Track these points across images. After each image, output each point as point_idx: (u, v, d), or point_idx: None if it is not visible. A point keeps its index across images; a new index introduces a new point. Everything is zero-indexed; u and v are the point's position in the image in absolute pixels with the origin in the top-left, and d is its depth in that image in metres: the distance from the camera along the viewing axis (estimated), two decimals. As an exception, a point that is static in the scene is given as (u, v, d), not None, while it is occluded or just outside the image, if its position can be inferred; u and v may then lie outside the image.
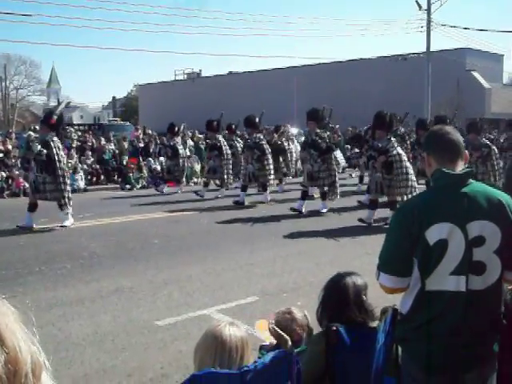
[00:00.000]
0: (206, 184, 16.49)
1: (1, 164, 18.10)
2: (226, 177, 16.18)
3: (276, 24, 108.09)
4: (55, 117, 11.68)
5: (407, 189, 11.12)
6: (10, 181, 17.60)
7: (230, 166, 16.34)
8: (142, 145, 22.22)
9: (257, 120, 15.06)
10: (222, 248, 9.43)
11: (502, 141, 16.81)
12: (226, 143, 16.30)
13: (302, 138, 23.45)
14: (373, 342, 2.73)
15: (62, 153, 11.57)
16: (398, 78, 38.98)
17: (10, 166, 18.02)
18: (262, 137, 15.39)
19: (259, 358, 2.72)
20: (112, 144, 22.24)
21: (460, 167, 2.64)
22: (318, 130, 12.92)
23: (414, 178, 11.44)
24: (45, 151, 11.09)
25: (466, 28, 36.13)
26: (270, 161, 14.96)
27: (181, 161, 17.64)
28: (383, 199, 11.76)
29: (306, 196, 13.04)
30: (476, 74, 42.43)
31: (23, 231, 10.96)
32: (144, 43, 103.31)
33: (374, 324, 2.94)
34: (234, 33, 78.08)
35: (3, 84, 62.60)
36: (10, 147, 19.24)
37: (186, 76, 59.21)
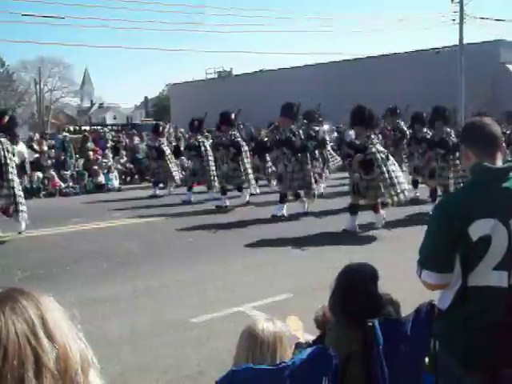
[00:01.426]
0: (189, 188, 15.31)
1: (37, 165, 18.40)
2: (211, 178, 15.10)
3: (300, 21, 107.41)
4: (7, 117, 10.94)
5: (389, 189, 10.10)
6: (46, 181, 17.89)
7: (213, 167, 15.20)
8: (173, 144, 22.36)
9: (232, 116, 14.13)
10: (255, 246, 9.42)
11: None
12: (206, 143, 15.31)
13: (335, 134, 23.33)
14: (403, 334, 2.70)
15: (10, 155, 10.63)
16: (430, 72, 38.47)
17: (45, 166, 18.31)
18: (237, 134, 14.38)
19: (296, 354, 2.70)
20: (145, 143, 22.43)
21: (499, 161, 2.59)
22: (293, 127, 12.11)
23: (399, 179, 10.35)
24: None
25: (499, 20, 35.43)
26: (246, 160, 13.89)
27: (166, 162, 16.58)
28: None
29: (284, 199, 12.10)
30: (511, 67, 41.63)
31: (58, 231, 11.13)
32: (175, 43, 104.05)
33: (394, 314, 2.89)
34: (264, 29, 77.99)
35: (38, 86, 63.67)
36: (45, 148, 19.54)
37: (216, 75, 59.39)
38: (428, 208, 11.39)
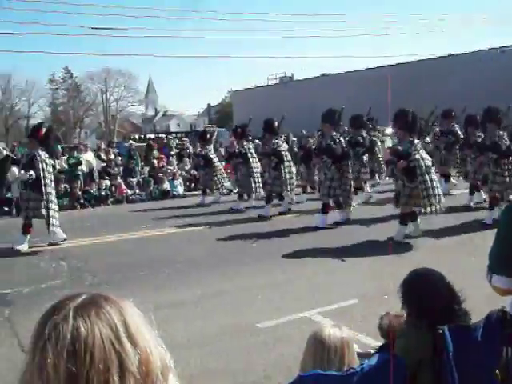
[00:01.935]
0: (239, 196, 15.15)
1: (104, 173, 18.93)
2: (218, 182, 15.83)
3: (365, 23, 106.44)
4: (44, 129, 10.85)
5: (429, 198, 9.63)
6: (113, 188, 18.36)
7: (222, 173, 16.00)
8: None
9: (276, 124, 13.79)
10: (320, 251, 9.39)
11: None
12: (252, 150, 15.07)
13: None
14: (473, 341, 2.64)
15: (49, 168, 10.61)
16: (496, 72, 37.38)
17: (112, 174, 18.80)
18: (280, 143, 13.92)
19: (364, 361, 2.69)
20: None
21: None
22: (334, 133, 11.69)
23: (439, 189, 9.93)
24: (33, 174, 10.28)
25: None
26: (289, 169, 13.52)
27: (213, 170, 16.24)
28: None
29: (327, 209, 11.67)
30: None
31: (124, 237, 11.41)
32: (236, 50, 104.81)
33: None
34: (324, 34, 77.70)
35: (104, 96, 65.48)
36: (112, 156, 20.06)
37: (278, 80, 59.56)
38: (482, 215, 11.23)
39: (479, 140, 12.30)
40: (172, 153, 22.09)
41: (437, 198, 9.72)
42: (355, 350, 2.52)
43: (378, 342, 3.48)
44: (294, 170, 13.99)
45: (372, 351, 3.01)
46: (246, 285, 7.52)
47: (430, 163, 9.90)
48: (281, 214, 13.56)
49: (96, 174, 19.03)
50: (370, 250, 9.29)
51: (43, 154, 10.58)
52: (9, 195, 16.58)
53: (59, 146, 22.99)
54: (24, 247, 10.45)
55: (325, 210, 11.64)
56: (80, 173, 18.28)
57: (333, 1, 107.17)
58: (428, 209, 9.72)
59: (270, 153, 13.42)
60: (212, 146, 17.83)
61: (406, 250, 9.22)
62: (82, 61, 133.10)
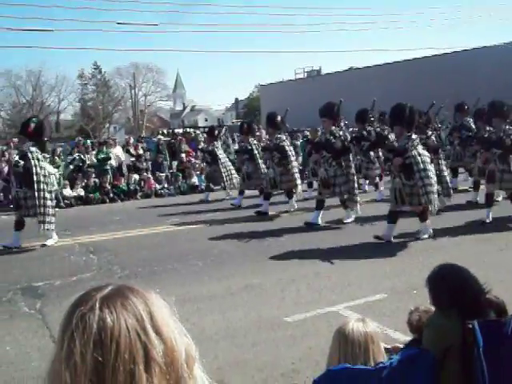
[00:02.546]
0: (240, 192, 14.78)
1: (133, 167, 19.10)
2: (226, 179, 15.64)
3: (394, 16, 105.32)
4: (32, 125, 10.53)
5: (429, 196, 9.21)
6: (142, 183, 18.52)
7: (229, 169, 15.76)
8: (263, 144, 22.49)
9: (278, 119, 13.33)
10: (348, 245, 9.37)
11: None
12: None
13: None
14: (503, 336, 2.62)
15: (42, 164, 10.39)
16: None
17: (141, 169, 18.96)
18: (284, 137, 13.36)
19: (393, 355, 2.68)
20: (236, 145, 22.71)
21: None
22: (334, 128, 11.24)
23: (433, 187, 9.41)
24: (21, 163, 10.19)
25: None
26: (294, 163, 13.17)
27: (221, 167, 15.88)
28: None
29: (322, 206, 11.41)
30: None
31: (156, 230, 11.51)
32: (264, 44, 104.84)
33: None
34: (352, 28, 77.12)
35: (133, 91, 66.03)
36: (141, 151, 20.22)
37: (306, 74, 59.35)
38: (483, 214, 10.76)
39: (486, 135, 11.81)
40: (200, 147, 22.18)
41: (435, 195, 9.39)
42: (381, 344, 2.50)
43: (407, 337, 3.47)
44: (296, 164, 13.51)
45: (401, 346, 3.00)
46: (274, 279, 7.53)
47: (428, 159, 9.47)
48: (286, 211, 13.23)
49: (125, 169, 19.22)
50: (398, 245, 9.23)
51: (35, 150, 10.41)
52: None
53: (88, 140, 23.33)
54: (51, 242, 10.50)
55: (320, 206, 11.40)
56: (109, 167, 18.49)
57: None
58: (430, 207, 9.36)
59: (273, 148, 13.02)
60: (220, 142, 17.41)
61: (434, 246, 9.13)
62: (111, 56, 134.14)
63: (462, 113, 14.91)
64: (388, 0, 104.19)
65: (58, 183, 16.88)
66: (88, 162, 18.41)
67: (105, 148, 19.44)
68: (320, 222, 11.27)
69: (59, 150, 19.29)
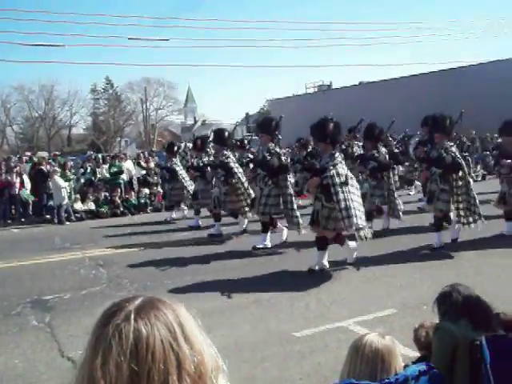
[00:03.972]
0: (197, 212, 13.98)
1: (144, 181, 19.17)
2: (186, 196, 14.85)
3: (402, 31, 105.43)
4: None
5: (350, 220, 8.18)
6: (152, 197, 18.58)
7: (190, 186, 14.72)
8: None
9: (226, 134, 12.46)
10: (358, 259, 9.32)
11: None
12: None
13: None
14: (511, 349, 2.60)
15: None
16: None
17: (152, 183, 19.02)
18: (229, 154, 12.30)
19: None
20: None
21: None
22: (271, 144, 10.46)
23: (356, 211, 8.29)
24: None
25: None
26: (245, 184, 11.97)
27: (180, 183, 15.06)
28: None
29: (267, 228, 10.58)
30: None
31: (166, 244, 11.54)
32: (273, 59, 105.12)
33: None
34: (361, 43, 77.32)
35: (144, 106, 66.39)
36: (152, 165, 20.31)
37: (316, 89, 59.46)
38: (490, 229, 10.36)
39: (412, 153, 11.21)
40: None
41: (352, 219, 8.22)
42: (396, 363, 2.46)
43: (416, 353, 3.44)
44: (246, 184, 12.15)
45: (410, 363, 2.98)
46: (283, 293, 7.50)
47: (346, 180, 8.34)
48: (234, 234, 12.36)
49: (135, 183, 19.31)
50: (408, 259, 9.17)
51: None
52: (51, 203, 16.95)
53: (100, 154, 23.43)
54: None
55: (265, 229, 10.60)
56: (121, 181, 18.59)
57: (368, 6, 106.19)
58: (349, 230, 8.49)
59: (218, 164, 12.11)
60: (179, 158, 16.41)
61: (445, 260, 9.07)
62: (123, 71, 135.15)
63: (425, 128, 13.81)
64: (394, 14, 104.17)
65: (69, 197, 17.00)
66: (99, 176, 18.52)
67: (117, 162, 19.54)
68: (269, 244, 10.49)
69: (70, 163, 19.41)
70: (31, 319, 6.91)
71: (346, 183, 8.32)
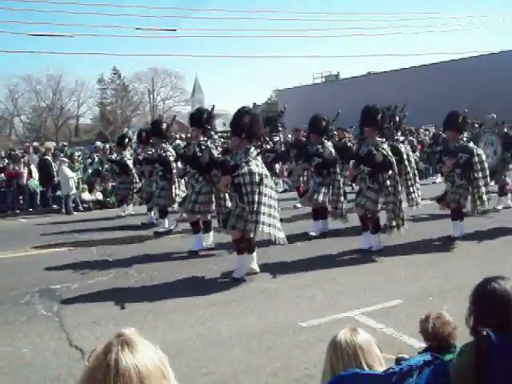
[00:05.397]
0: (149, 209, 13.40)
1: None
2: (135, 192, 14.47)
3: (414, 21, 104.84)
4: None
5: (258, 225, 7.43)
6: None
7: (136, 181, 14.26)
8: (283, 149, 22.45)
9: (164, 127, 11.93)
10: (362, 251, 9.33)
11: None
12: None
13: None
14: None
15: None
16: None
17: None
18: (168, 148, 11.84)
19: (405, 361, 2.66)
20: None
21: None
22: (202, 139, 9.71)
23: (264, 217, 7.49)
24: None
25: None
26: (181, 180, 11.63)
27: (130, 177, 14.57)
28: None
29: (198, 228, 9.99)
30: None
31: (174, 234, 11.57)
32: (281, 49, 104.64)
33: None
34: (371, 33, 76.92)
35: (151, 96, 66.44)
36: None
37: (324, 79, 59.30)
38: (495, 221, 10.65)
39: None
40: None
41: (263, 226, 7.50)
42: (375, 352, 2.46)
43: (422, 344, 3.45)
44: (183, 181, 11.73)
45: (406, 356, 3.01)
46: (289, 284, 7.53)
47: (261, 179, 7.59)
48: (156, 234, 11.82)
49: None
50: (413, 250, 9.18)
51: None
52: (58, 193, 17.02)
53: (107, 144, 23.44)
54: None
55: (195, 229, 9.99)
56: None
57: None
58: (255, 233, 7.67)
59: (155, 158, 11.72)
60: (130, 151, 15.60)
61: (449, 251, 9.08)
62: (130, 61, 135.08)
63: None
64: (401, 6, 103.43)
65: (77, 187, 17.07)
66: (106, 166, 18.57)
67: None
68: (204, 245, 10.00)
69: (78, 154, 19.45)
70: (39, 308, 6.97)
71: (259, 183, 7.57)
